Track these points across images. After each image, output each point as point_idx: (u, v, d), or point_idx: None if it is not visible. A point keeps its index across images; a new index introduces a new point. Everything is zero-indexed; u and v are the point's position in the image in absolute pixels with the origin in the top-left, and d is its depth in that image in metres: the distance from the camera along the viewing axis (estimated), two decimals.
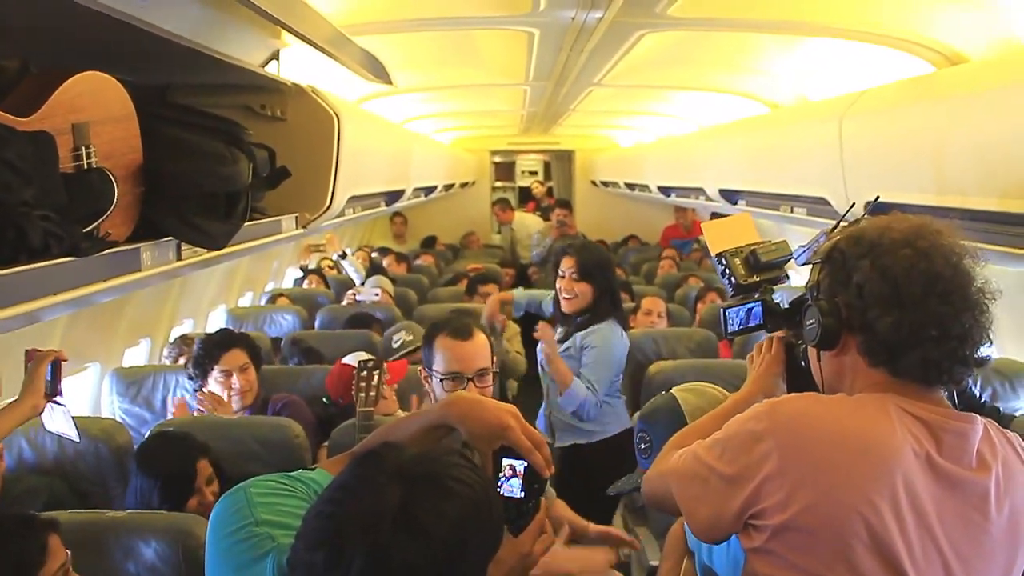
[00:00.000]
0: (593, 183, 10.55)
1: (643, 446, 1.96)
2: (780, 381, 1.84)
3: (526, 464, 1.45)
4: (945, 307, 1.40)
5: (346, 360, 3.49)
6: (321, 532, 1.24)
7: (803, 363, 1.76)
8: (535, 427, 3.37)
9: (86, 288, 1.71)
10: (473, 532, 1.26)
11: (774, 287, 1.88)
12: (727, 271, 1.88)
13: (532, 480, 1.45)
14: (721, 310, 1.87)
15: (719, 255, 1.90)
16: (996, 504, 1.42)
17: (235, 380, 3.26)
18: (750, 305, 1.86)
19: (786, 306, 1.84)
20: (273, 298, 5.72)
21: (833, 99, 3.48)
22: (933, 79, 2.87)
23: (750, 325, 1.86)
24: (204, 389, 3.26)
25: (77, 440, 2.39)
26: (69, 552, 1.93)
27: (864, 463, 1.38)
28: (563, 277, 3.60)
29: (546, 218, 8.98)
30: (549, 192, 11.57)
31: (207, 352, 3.28)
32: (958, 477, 1.41)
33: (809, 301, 1.54)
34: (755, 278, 1.86)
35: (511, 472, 1.45)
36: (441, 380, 2.32)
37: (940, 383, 1.46)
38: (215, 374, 3.26)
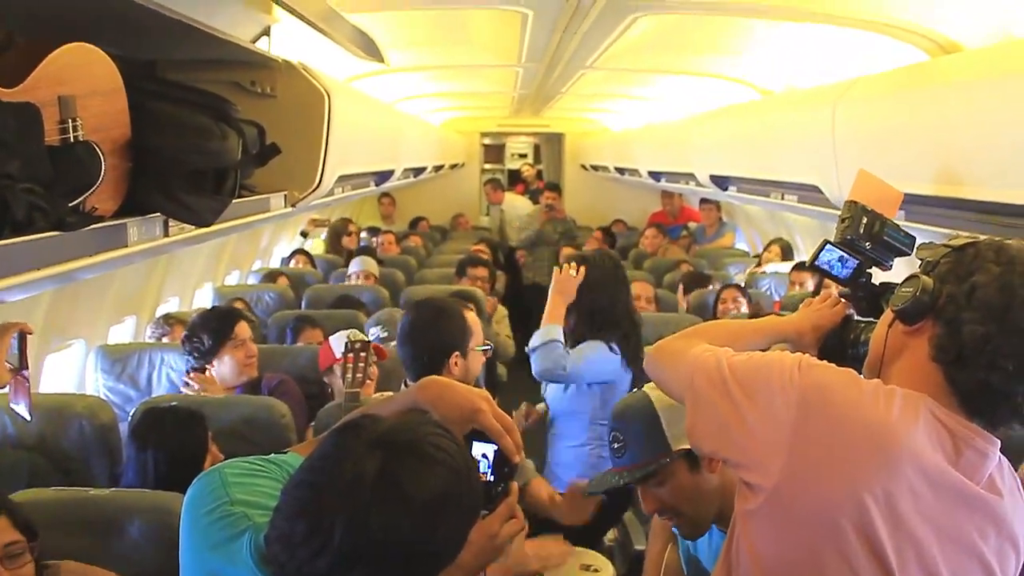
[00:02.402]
0: (583, 167, 10.53)
1: (616, 445, 1.95)
2: (817, 339, 1.81)
3: (496, 448, 1.47)
4: None
5: (332, 339, 3.48)
6: (301, 502, 1.24)
7: (846, 344, 1.75)
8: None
9: (71, 263, 1.68)
10: (453, 499, 1.27)
11: (873, 265, 1.85)
12: (849, 220, 1.85)
13: (502, 464, 1.47)
14: (824, 240, 1.84)
15: (853, 202, 1.87)
16: (996, 528, 1.41)
17: (251, 347, 3.32)
18: (850, 256, 1.83)
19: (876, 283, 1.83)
20: (273, 276, 5.66)
21: (826, 86, 3.47)
22: (927, 67, 2.86)
23: (833, 272, 1.83)
24: (209, 368, 3.26)
25: (28, 419, 2.30)
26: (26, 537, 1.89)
27: (878, 455, 1.37)
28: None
29: (535, 201, 8.96)
30: (539, 175, 11.54)
31: (218, 327, 3.28)
32: (969, 492, 1.39)
33: (918, 271, 1.48)
34: (867, 244, 1.83)
35: (481, 456, 1.46)
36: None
37: (982, 414, 1.42)
38: (233, 343, 3.26)
